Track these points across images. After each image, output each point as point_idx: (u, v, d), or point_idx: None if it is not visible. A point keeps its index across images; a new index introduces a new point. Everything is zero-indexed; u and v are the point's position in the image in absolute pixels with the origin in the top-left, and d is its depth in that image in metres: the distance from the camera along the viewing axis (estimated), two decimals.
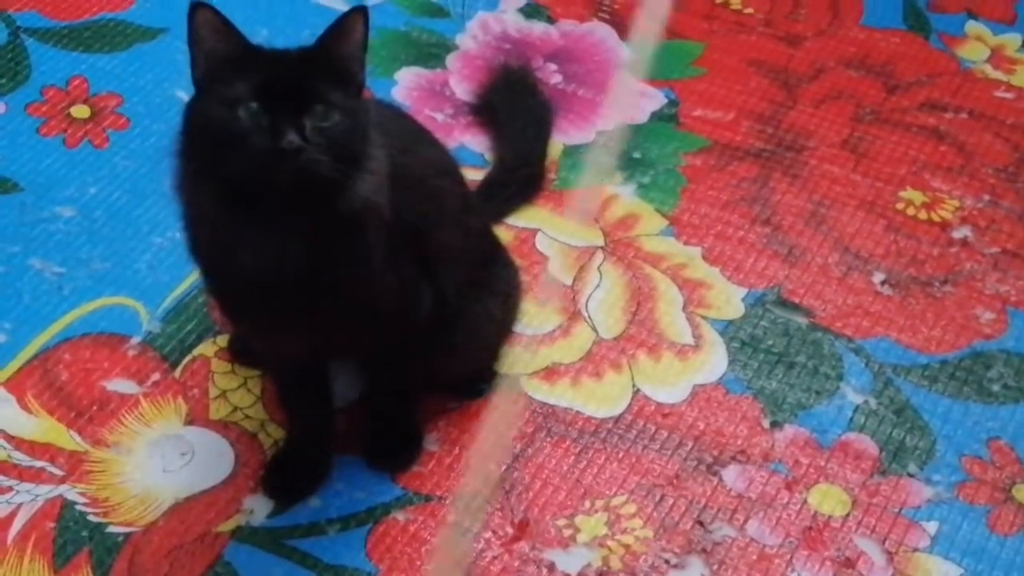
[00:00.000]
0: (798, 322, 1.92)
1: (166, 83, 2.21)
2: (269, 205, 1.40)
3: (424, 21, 2.37)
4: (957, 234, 2.05)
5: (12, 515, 1.65)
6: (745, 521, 1.68)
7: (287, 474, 1.69)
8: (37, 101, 2.18)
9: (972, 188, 2.12)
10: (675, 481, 1.72)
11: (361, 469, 1.71)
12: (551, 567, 1.63)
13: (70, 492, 1.67)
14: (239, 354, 1.82)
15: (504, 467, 1.72)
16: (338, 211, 1.41)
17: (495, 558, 1.63)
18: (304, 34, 2.27)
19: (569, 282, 1.95)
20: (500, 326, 1.77)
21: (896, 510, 1.70)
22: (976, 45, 2.39)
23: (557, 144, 2.12)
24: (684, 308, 1.93)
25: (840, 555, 1.66)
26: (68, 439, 1.73)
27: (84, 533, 1.64)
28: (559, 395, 1.81)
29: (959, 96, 2.28)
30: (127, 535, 1.64)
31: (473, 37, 2.35)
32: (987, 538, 1.68)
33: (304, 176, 1.37)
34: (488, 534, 1.65)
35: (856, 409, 1.81)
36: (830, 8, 2.45)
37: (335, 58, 1.41)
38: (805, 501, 1.71)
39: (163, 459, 1.72)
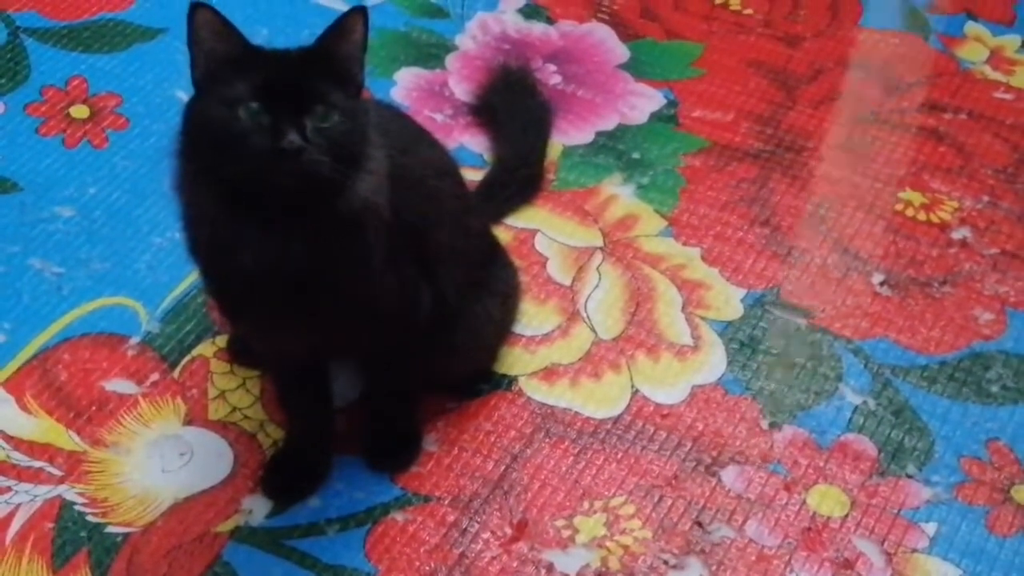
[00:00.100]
0: (797, 323, 1.92)
1: (165, 83, 2.21)
2: (269, 205, 1.40)
3: (423, 21, 2.37)
4: (956, 235, 2.05)
5: (11, 515, 1.65)
6: (744, 522, 1.68)
7: (286, 474, 1.69)
8: (36, 101, 2.18)
9: (971, 189, 2.12)
10: (674, 482, 1.72)
11: (360, 469, 1.71)
12: (550, 568, 1.63)
13: (69, 492, 1.67)
14: (238, 354, 1.82)
15: (503, 468, 1.72)
16: (338, 211, 1.41)
17: (494, 558, 1.63)
18: (304, 34, 2.27)
19: (568, 283, 1.95)
20: (499, 326, 1.78)
21: (895, 511, 1.70)
22: (975, 46, 2.39)
23: (556, 145, 2.12)
24: (683, 309, 1.93)
25: (839, 556, 1.66)
26: (67, 439, 1.73)
27: (83, 533, 1.64)
28: (558, 396, 1.81)
29: (958, 97, 2.28)
30: (126, 535, 1.63)
31: (472, 37, 2.35)
32: (986, 539, 1.68)
33: (305, 176, 1.37)
34: (487, 535, 1.65)
35: (855, 410, 1.81)
36: (829, 9, 2.45)
37: (335, 58, 1.41)
38: (804, 502, 1.71)
39: (162, 459, 1.72)
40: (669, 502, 1.70)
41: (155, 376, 1.80)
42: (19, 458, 1.71)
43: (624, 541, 1.66)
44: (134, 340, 1.84)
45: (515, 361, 1.84)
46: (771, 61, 2.34)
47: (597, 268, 1.97)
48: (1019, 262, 2.01)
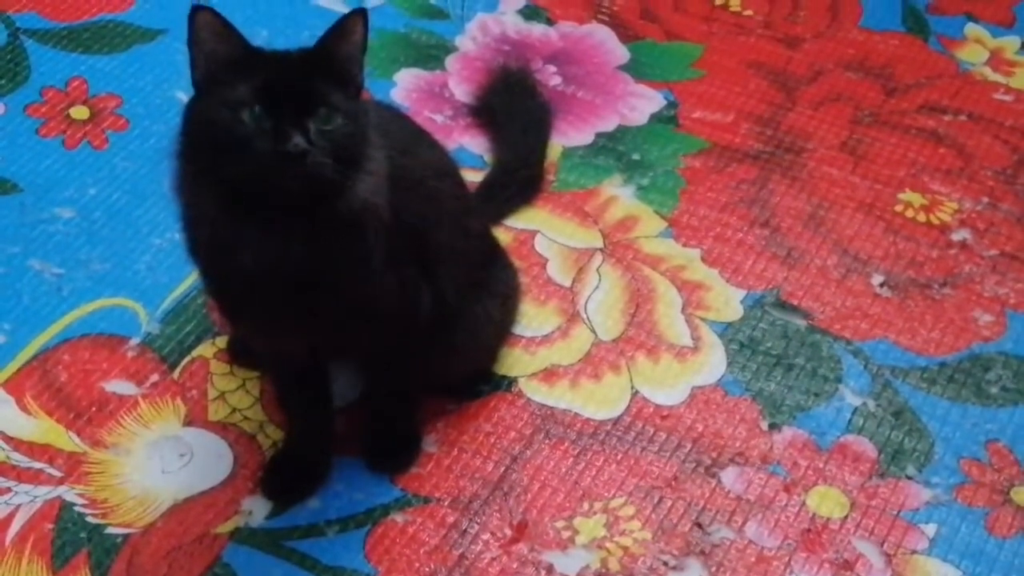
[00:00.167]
0: (797, 324, 1.92)
1: (165, 84, 2.21)
2: (269, 205, 1.40)
3: (423, 23, 2.37)
4: (956, 236, 2.05)
5: (11, 516, 1.65)
6: (744, 523, 1.68)
7: (286, 475, 1.69)
8: (36, 102, 2.18)
9: (971, 190, 2.12)
10: (674, 483, 1.72)
11: (360, 470, 1.71)
12: (549, 569, 1.63)
13: (69, 493, 1.67)
14: (238, 355, 1.82)
15: (503, 469, 1.72)
16: (338, 212, 1.41)
17: (493, 559, 1.63)
18: (304, 35, 2.27)
19: (568, 284, 1.95)
20: (499, 327, 1.78)
21: (894, 512, 1.70)
22: (975, 47, 2.39)
23: (556, 146, 2.12)
24: (683, 310, 1.93)
25: (839, 557, 1.66)
26: (67, 440, 1.73)
27: (83, 534, 1.64)
28: (558, 397, 1.81)
29: (958, 98, 2.28)
30: (126, 536, 1.64)
31: (472, 39, 2.35)
32: (985, 540, 1.68)
33: (308, 179, 1.37)
34: (487, 536, 1.65)
35: (855, 411, 1.81)
36: (829, 10, 2.45)
37: (335, 60, 1.41)
38: (804, 503, 1.71)
39: (162, 460, 1.72)
40: (669, 503, 1.70)
41: (155, 377, 1.80)
42: (19, 459, 1.71)
43: (624, 542, 1.66)
44: (134, 341, 1.84)
45: (515, 362, 1.84)
46: (771, 62, 2.34)
47: (597, 269, 1.97)
48: (1019, 264, 2.01)
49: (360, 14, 1.41)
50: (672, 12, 2.44)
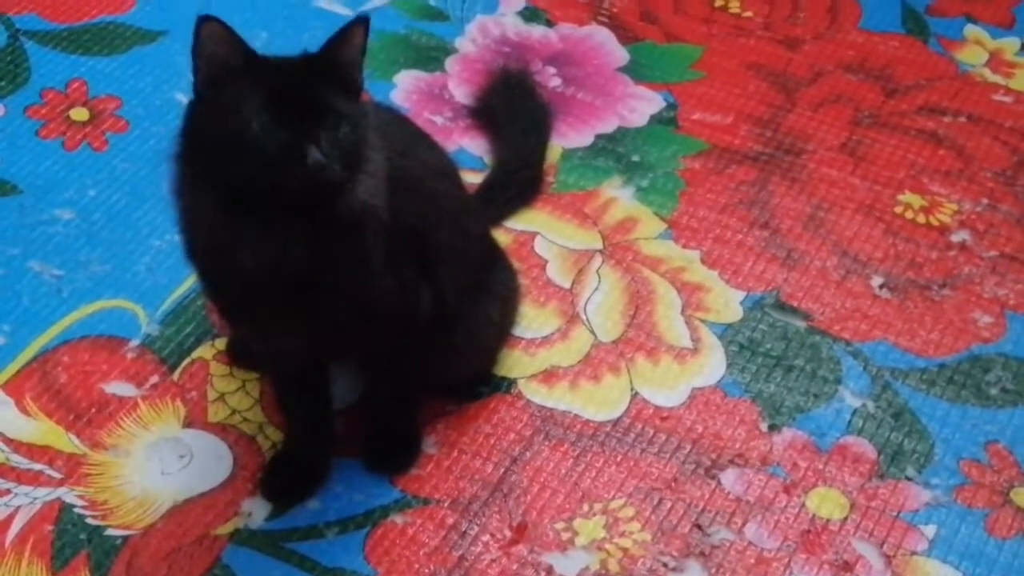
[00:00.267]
0: (796, 325, 1.92)
1: (165, 86, 2.21)
2: (269, 208, 1.40)
3: (423, 24, 2.38)
4: (955, 238, 2.05)
5: (10, 518, 1.65)
6: (743, 524, 1.68)
7: (285, 477, 1.69)
8: (36, 104, 2.18)
9: (970, 192, 2.12)
10: (673, 484, 1.72)
11: (360, 472, 1.71)
12: (549, 570, 1.63)
13: (68, 495, 1.67)
14: (238, 357, 1.82)
15: (502, 470, 1.72)
16: (337, 213, 1.42)
17: (493, 561, 1.63)
18: (304, 37, 2.26)
19: (568, 285, 1.95)
20: (499, 329, 1.78)
21: (894, 513, 1.70)
22: (975, 49, 2.39)
23: (556, 147, 2.12)
24: (683, 311, 1.93)
25: (838, 558, 1.66)
26: (66, 442, 1.73)
27: (82, 536, 1.64)
28: (557, 398, 1.81)
29: (958, 100, 2.28)
30: (125, 538, 1.63)
31: (472, 40, 2.35)
32: (985, 541, 1.68)
33: (318, 186, 1.37)
34: (486, 537, 1.65)
35: (854, 412, 1.81)
36: (829, 12, 2.46)
37: (339, 66, 1.42)
38: (803, 504, 1.71)
39: (161, 462, 1.72)
40: (668, 504, 1.70)
41: (155, 378, 1.80)
42: (19, 460, 1.71)
43: (623, 543, 1.66)
44: (133, 342, 1.85)
45: (515, 363, 1.84)
46: (771, 64, 2.34)
47: (597, 271, 1.97)
48: (1018, 265, 2.01)
49: (363, 23, 1.41)
50: (672, 14, 2.44)
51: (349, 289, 1.48)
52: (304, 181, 1.37)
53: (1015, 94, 2.30)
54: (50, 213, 2.01)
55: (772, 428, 1.79)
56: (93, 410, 1.76)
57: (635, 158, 2.15)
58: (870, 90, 2.30)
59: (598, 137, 2.18)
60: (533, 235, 2.01)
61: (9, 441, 1.73)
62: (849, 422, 1.80)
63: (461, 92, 2.24)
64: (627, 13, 2.43)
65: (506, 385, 1.82)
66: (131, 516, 1.66)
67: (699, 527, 1.68)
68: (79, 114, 2.16)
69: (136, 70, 2.24)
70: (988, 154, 2.19)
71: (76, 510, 1.66)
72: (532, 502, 1.69)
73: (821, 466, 1.75)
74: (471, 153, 2.11)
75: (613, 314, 1.92)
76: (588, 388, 1.82)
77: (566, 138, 2.16)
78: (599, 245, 2.01)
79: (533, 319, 1.90)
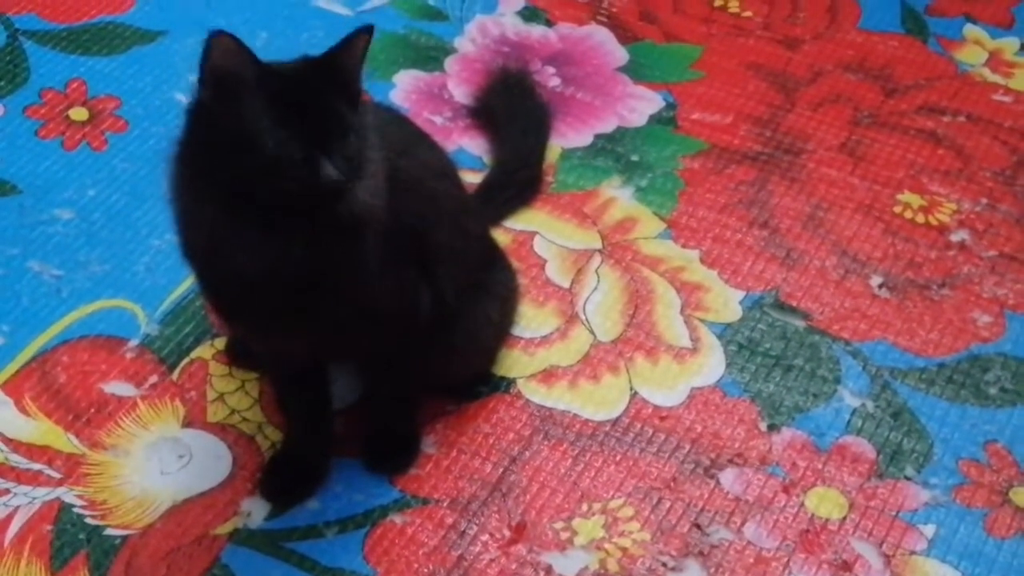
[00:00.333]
0: (796, 325, 1.92)
1: (165, 86, 2.21)
2: (270, 210, 1.40)
3: (423, 24, 2.38)
4: (955, 237, 2.05)
5: (9, 517, 1.65)
6: (742, 524, 1.68)
7: (285, 476, 1.69)
8: (36, 103, 2.18)
9: (970, 191, 2.12)
10: (672, 484, 1.72)
11: (359, 472, 1.71)
12: (548, 570, 1.63)
13: (67, 495, 1.68)
14: (237, 357, 1.82)
15: (501, 470, 1.72)
16: (337, 214, 1.41)
17: (492, 561, 1.63)
18: (303, 37, 2.28)
19: (567, 285, 1.95)
20: (498, 329, 1.78)
21: (893, 513, 1.70)
22: (974, 49, 2.39)
23: (555, 147, 2.12)
24: (682, 311, 1.93)
25: (837, 558, 1.66)
26: (66, 442, 1.73)
27: (81, 535, 1.64)
28: (556, 398, 1.81)
29: (957, 99, 2.28)
30: (124, 537, 1.64)
31: (472, 40, 2.35)
32: (984, 541, 1.68)
33: (328, 197, 1.38)
34: (485, 537, 1.65)
35: (853, 412, 1.81)
36: (828, 11, 2.46)
37: (344, 74, 1.41)
38: (802, 504, 1.71)
39: (161, 461, 1.72)
40: (668, 504, 1.70)
41: (154, 378, 1.80)
42: (18, 460, 1.71)
43: (623, 543, 1.66)
44: (133, 342, 1.85)
45: (514, 363, 1.84)
46: (770, 63, 2.34)
47: (596, 270, 1.97)
48: (1018, 264, 2.01)
49: (367, 31, 1.41)
50: (671, 13, 2.44)
51: (348, 289, 1.48)
52: (316, 193, 1.37)
53: (1014, 94, 2.30)
54: (49, 213, 2.01)
55: (771, 428, 1.79)
56: (92, 410, 1.76)
57: (634, 158, 2.15)
58: (869, 90, 2.30)
59: (597, 137, 2.18)
60: (532, 235, 2.01)
61: (8, 441, 1.73)
62: (848, 422, 1.80)
63: (460, 92, 2.24)
64: (626, 13, 2.43)
65: (505, 385, 1.82)
66: (130, 516, 1.66)
67: (698, 527, 1.68)
68: (78, 114, 2.16)
69: (135, 70, 2.24)
70: (987, 154, 2.19)
71: (75, 510, 1.66)
72: (531, 502, 1.69)
73: (820, 466, 1.75)
74: (470, 153, 2.11)
75: (612, 314, 1.92)
76: (587, 388, 1.82)
77: (565, 138, 2.16)
78: (598, 245, 2.01)
79: (532, 319, 1.90)
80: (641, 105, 2.25)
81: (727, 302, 1.94)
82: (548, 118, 2.02)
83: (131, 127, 2.15)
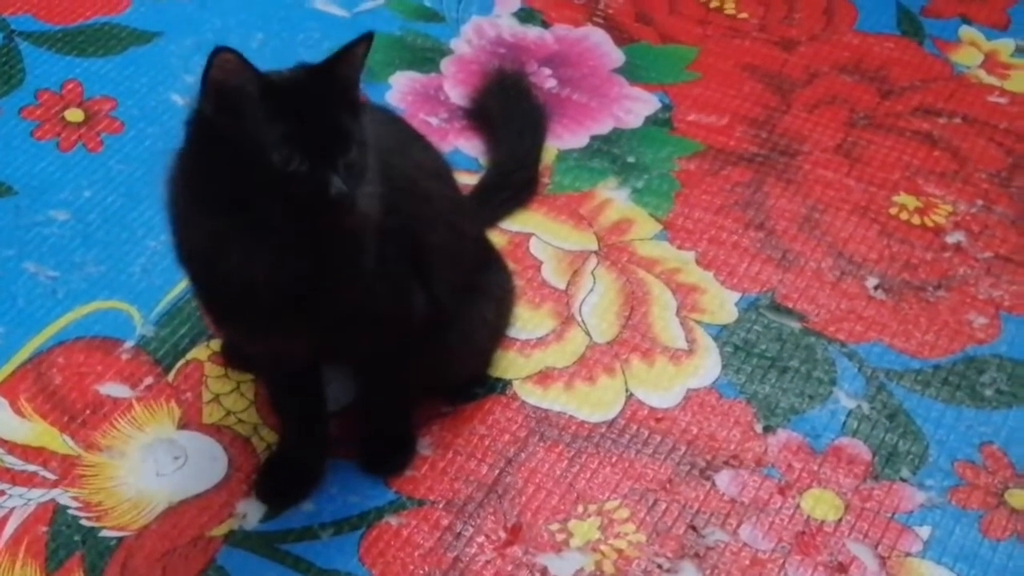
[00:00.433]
0: (791, 327, 1.92)
1: (160, 87, 2.21)
2: (269, 220, 1.39)
3: (419, 25, 2.38)
4: (950, 239, 2.05)
5: (4, 519, 1.65)
6: (738, 526, 1.68)
7: (280, 478, 1.69)
8: (31, 105, 2.18)
9: (965, 193, 2.12)
10: (668, 486, 1.72)
11: (354, 473, 1.71)
12: (544, 571, 1.63)
13: (63, 496, 1.67)
14: (232, 358, 1.82)
15: (497, 471, 1.72)
16: (338, 223, 1.42)
17: (488, 562, 1.63)
18: (299, 38, 2.27)
19: (563, 286, 1.95)
20: (494, 330, 1.78)
21: (889, 515, 1.71)
22: (970, 50, 2.39)
23: (551, 149, 2.12)
24: (678, 312, 1.93)
25: (833, 560, 1.66)
26: (61, 443, 1.73)
27: (77, 537, 1.63)
28: (552, 399, 1.81)
29: (953, 101, 2.29)
30: (120, 539, 1.63)
31: (468, 41, 2.35)
32: (979, 543, 1.68)
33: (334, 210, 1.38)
34: (481, 538, 1.65)
35: (849, 414, 1.81)
36: (824, 13, 2.46)
37: (345, 82, 1.41)
38: (798, 506, 1.71)
39: (156, 463, 1.72)
40: (663, 506, 1.70)
41: (149, 380, 1.80)
42: (13, 462, 1.71)
43: (618, 545, 1.66)
44: (128, 344, 1.84)
45: (509, 365, 1.84)
46: (766, 65, 2.34)
47: (592, 272, 1.97)
48: (1013, 266, 2.02)
49: (367, 39, 1.41)
50: (667, 15, 2.44)
51: (342, 292, 1.48)
52: (323, 206, 1.37)
53: (1010, 95, 2.30)
54: (45, 214, 2.01)
55: (767, 429, 1.79)
56: (88, 411, 1.76)
57: (630, 159, 2.15)
58: (865, 91, 2.30)
59: (593, 138, 2.19)
60: (528, 236, 2.01)
61: (3, 442, 1.72)
62: (844, 423, 1.80)
63: (456, 93, 2.24)
64: (622, 14, 2.43)
65: (501, 386, 1.82)
66: (125, 517, 1.66)
67: (694, 528, 1.68)
68: (74, 115, 2.16)
69: (131, 71, 2.24)
70: (983, 155, 2.19)
71: (70, 511, 1.66)
72: (527, 503, 1.69)
73: (816, 467, 1.75)
74: (466, 154, 2.11)
75: (608, 315, 1.92)
76: (583, 389, 1.82)
77: (561, 139, 2.16)
78: (594, 246, 2.01)
79: (528, 320, 1.90)
80: (637, 106, 2.25)
81: (723, 304, 1.95)
82: (544, 119, 2.02)
83: (127, 128, 2.15)
